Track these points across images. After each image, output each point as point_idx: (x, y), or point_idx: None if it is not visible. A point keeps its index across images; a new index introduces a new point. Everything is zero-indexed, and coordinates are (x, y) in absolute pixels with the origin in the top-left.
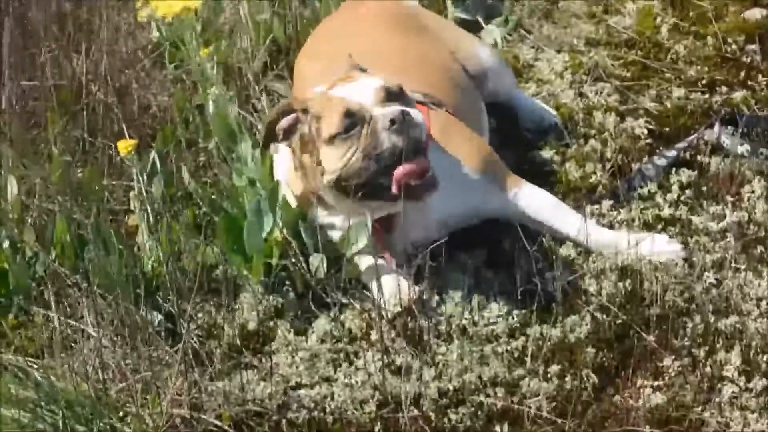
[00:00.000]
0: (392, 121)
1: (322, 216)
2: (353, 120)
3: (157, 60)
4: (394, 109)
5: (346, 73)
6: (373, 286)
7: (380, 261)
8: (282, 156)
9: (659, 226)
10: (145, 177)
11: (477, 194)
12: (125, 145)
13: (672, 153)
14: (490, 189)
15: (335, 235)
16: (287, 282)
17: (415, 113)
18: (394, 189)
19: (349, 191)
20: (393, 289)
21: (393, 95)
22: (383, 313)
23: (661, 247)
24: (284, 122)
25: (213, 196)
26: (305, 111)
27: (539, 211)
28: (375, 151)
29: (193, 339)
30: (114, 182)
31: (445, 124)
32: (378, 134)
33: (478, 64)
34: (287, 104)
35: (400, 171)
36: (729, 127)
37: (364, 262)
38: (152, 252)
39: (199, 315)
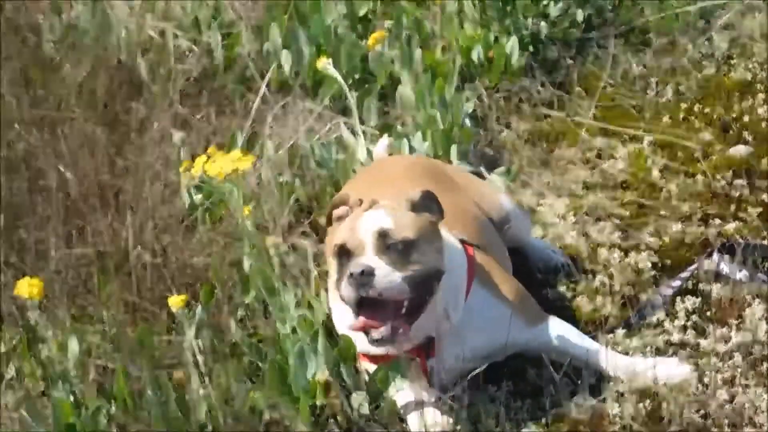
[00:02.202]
0: (351, 274)
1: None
2: (342, 254)
3: (189, 224)
4: (359, 263)
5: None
6: (411, 418)
7: (418, 394)
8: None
9: (670, 351)
10: (193, 330)
11: (513, 328)
12: (176, 301)
13: (676, 283)
14: (524, 323)
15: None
16: (332, 420)
17: (383, 275)
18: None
19: None
20: (431, 421)
21: (390, 239)
22: None
23: (673, 369)
24: (340, 210)
25: (259, 345)
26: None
27: (563, 341)
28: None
29: None
30: (164, 338)
31: (487, 263)
32: (343, 280)
33: (501, 212)
34: (346, 195)
35: (355, 321)
36: (726, 256)
37: (402, 397)
38: (205, 399)
39: None
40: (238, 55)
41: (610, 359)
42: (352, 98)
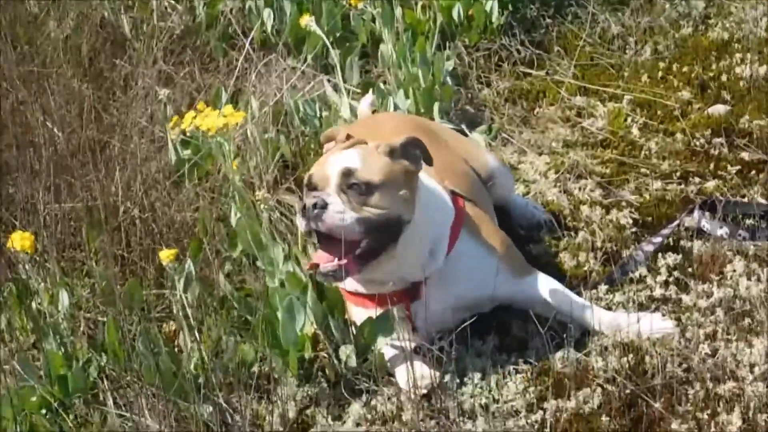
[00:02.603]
0: (304, 206)
1: (357, 312)
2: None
3: (176, 180)
4: (314, 195)
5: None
6: (398, 371)
7: (404, 344)
8: None
9: (653, 306)
10: (182, 284)
11: (499, 278)
12: (167, 255)
13: (658, 239)
14: (510, 275)
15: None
16: (320, 373)
17: (335, 210)
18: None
19: None
20: (418, 374)
21: (353, 179)
22: (412, 394)
23: (657, 324)
24: (329, 145)
25: (248, 299)
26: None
27: (549, 296)
28: None
29: (246, 428)
30: (153, 291)
31: (476, 215)
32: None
33: (487, 169)
34: (337, 130)
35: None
36: (707, 213)
37: (389, 350)
38: (194, 352)
39: (243, 408)
40: (220, 12)
41: (594, 314)
42: (335, 56)
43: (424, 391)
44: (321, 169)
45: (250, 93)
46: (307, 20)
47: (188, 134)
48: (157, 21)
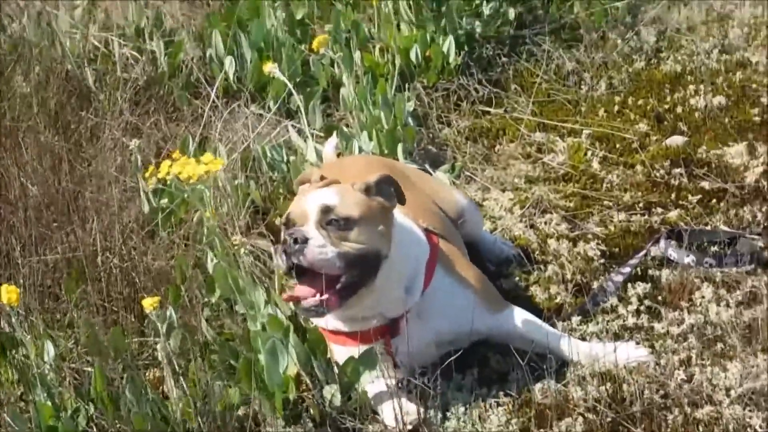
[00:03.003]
0: (285, 240)
1: (338, 351)
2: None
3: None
4: (295, 230)
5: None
6: (384, 408)
7: (388, 383)
8: None
9: (626, 335)
10: (165, 330)
11: (475, 313)
12: (150, 302)
13: (626, 269)
14: (486, 310)
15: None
16: (306, 413)
17: (315, 245)
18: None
19: None
20: (403, 409)
21: (333, 215)
22: (399, 431)
23: (632, 352)
24: (304, 187)
25: (230, 343)
26: None
27: (525, 328)
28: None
29: None
30: (135, 339)
31: (450, 252)
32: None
33: (456, 207)
34: (310, 172)
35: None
36: (673, 242)
37: (373, 388)
38: (181, 398)
39: None
40: (182, 62)
41: (571, 345)
42: (299, 101)
43: (410, 427)
44: (299, 206)
45: (217, 140)
46: (270, 67)
47: (167, 182)
48: (120, 72)
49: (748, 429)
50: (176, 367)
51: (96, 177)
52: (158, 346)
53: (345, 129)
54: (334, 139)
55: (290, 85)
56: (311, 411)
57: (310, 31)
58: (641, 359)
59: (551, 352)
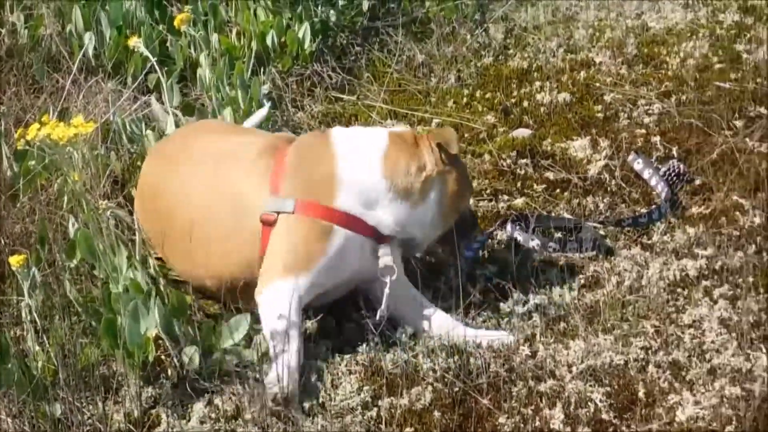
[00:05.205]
0: None
1: None
2: None
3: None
4: None
5: None
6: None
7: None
8: None
9: (472, 311)
10: (27, 289)
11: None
12: (17, 260)
13: (476, 245)
14: None
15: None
16: (163, 375)
17: None
18: None
19: None
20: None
21: None
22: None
23: (494, 334)
24: None
25: (92, 304)
26: None
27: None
28: None
29: (87, 427)
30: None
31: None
32: None
33: None
34: None
35: None
36: (519, 226)
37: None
38: (40, 355)
39: (91, 408)
40: (42, 35)
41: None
42: (162, 76)
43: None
44: None
45: (77, 113)
46: (135, 41)
47: (37, 143)
48: None
49: (589, 402)
50: (38, 325)
51: None
52: (21, 304)
53: (201, 106)
54: (261, 113)
55: (153, 61)
56: (169, 372)
57: (168, 12)
58: (502, 339)
59: (405, 322)
